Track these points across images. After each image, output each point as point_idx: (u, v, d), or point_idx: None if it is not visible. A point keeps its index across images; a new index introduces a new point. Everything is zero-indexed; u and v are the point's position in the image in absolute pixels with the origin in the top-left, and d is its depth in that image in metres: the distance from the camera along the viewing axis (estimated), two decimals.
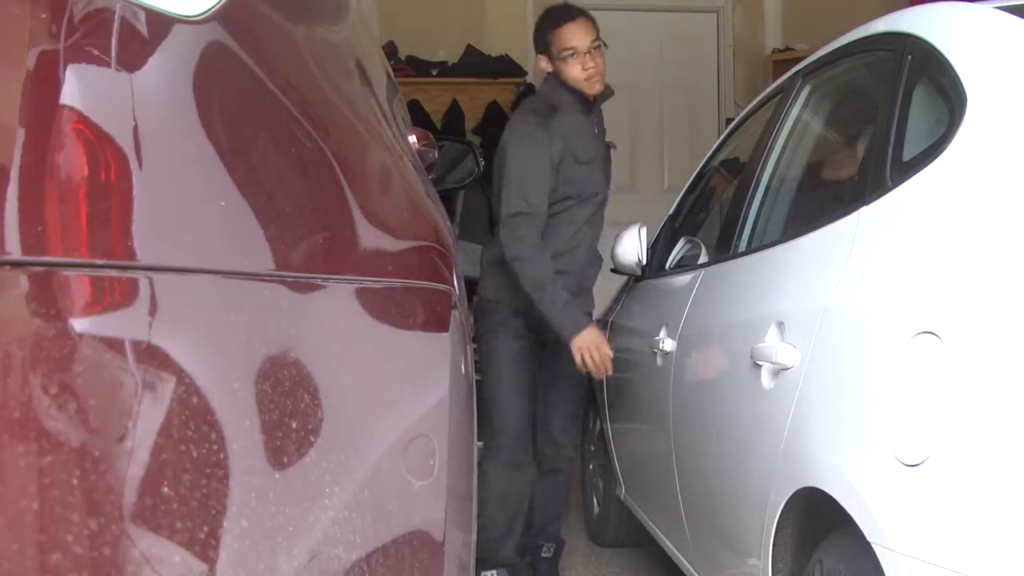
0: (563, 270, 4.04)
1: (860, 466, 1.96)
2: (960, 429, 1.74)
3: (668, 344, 3.51)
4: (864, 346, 2.07)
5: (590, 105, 4.14)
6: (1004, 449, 1.66)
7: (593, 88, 4.07)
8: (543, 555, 4.47)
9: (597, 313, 4.60)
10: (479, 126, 8.06)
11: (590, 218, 4.17)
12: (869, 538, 1.88)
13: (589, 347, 3.90)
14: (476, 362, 1.85)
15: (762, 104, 3.69)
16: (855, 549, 1.95)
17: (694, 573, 3.30)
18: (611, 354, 3.92)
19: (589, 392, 4.78)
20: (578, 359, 3.92)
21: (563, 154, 4.00)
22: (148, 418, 0.77)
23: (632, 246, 4.24)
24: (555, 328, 3.92)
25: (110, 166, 0.79)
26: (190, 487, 0.80)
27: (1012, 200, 1.84)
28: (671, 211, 4.45)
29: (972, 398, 1.74)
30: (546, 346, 4.24)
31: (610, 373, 4.00)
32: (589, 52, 4.03)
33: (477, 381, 2.86)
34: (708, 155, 4.34)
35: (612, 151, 4.37)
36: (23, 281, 0.72)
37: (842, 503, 1.99)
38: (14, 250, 0.72)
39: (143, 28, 0.87)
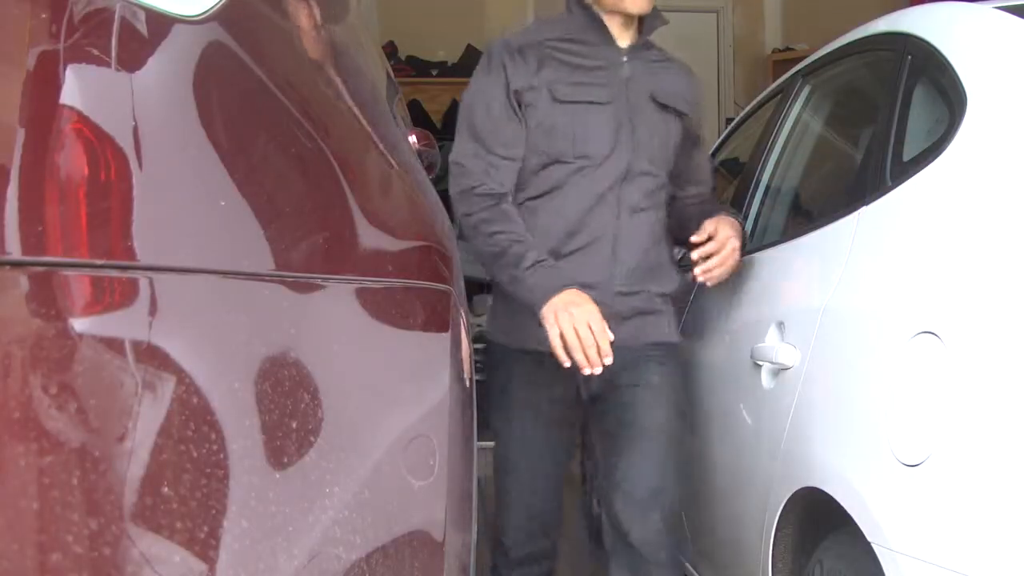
0: (581, 282, 2.54)
1: (860, 466, 1.96)
2: (960, 429, 1.74)
3: None
4: (864, 346, 2.07)
5: (617, 35, 2.73)
6: (1004, 449, 1.66)
7: (637, 4, 2.67)
8: None
9: None
10: None
11: (610, 194, 2.65)
12: (869, 538, 1.88)
13: (570, 315, 2.41)
14: (477, 362, 1.82)
15: (762, 104, 3.68)
16: (855, 549, 1.94)
17: (694, 573, 3.30)
18: (610, 335, 2.41)
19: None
20: (554, 338, 2.41)
21: (537, 88, 2.62)
22: (148, 418, 0.77)
23: None
24: (523, 301, 2.52)
25: (110, 166, 0.79)
26: (190, 487, 0.80)
27: (1012, 200, 1.83)
28: None
29: (972, 398, 1.73)
30: (600, 386, 2.69)
31: (608, 362, 2.41)
32: None
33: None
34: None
35: (674, 118, 2.78)
36: (23, 281, 0.72)
37: (842, 503, 1.99)
38: (14, 250, 0.72)
39: (143, 28, 0.87)
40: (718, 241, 2.63)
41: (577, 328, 2.40)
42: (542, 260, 2.49)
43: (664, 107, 2.74)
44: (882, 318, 2.02)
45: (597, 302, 2.50)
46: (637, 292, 2.69)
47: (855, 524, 1.93)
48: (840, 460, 2.05)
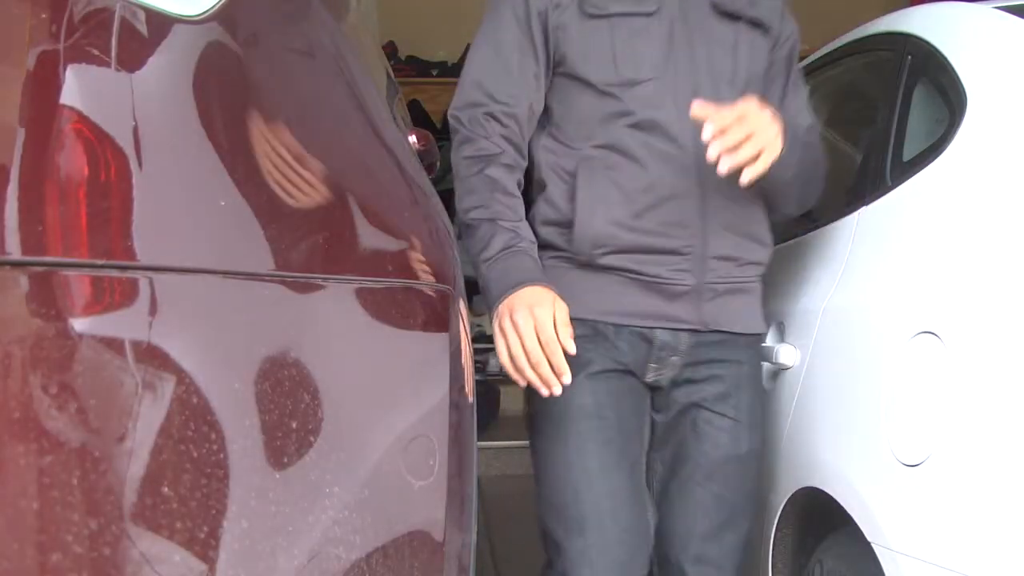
0: (668, 248, 2.11)
1: (860, 466, 1.96)
2: (960, 429, 1.74)
3: None
4: (864, 346, 2.07)
5: None
6: (1004, 449, 1.66)
7: None
8: None
9: None
10: None
11: (682, 131, 2.08)
12: (869, 538, 1.88)
13: (515, 324, 1.93)
14: (477, 362, 1.72)
15: None
16: (855, 549, 1.94)
17: None
18: (570, 346, 1.91)
19: None
20: (499, 353, 1.97)
21: (564, 5, 2.13)
22: (148, 418, 0.77)
23: None
24: (483, 293, 2.05)
25: (110, 166, 0.79)
26: (190, 487, 0.80)
27: (1011, 200, 1.83)
28: None
29: (972, 398, 1.73)
30: (666, 393, 2.22)
31: (566, 381, 1.92)
32: None
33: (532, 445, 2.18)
34: None
35: (748, 29, 2.20)
36: (23, 281, 0.72)
37: (842, 503, 1.99)
38: (14, 250, 0.72)
39: (143, 28, 0.87)
40: (742, 106, 1.93)
41: (523, 339, 1.92)
42: (511, 247, 2.03)
43: (731, 16, 2.18)
44: (882, 318, 2.02)
45: (686, 271, 2.11)
46: (733, 259, 2.17)
47: (855, 524, 1.93)
48: (840, 460, 2.06)
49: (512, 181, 2.12)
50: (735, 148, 1.90)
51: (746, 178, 1.93)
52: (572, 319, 1.99)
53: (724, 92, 2.10)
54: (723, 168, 1.90)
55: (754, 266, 2.21)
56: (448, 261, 1.60)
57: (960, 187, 1.97)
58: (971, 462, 1.71)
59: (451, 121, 2.17)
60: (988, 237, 1.84)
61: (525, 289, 1.96)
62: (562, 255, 2.15)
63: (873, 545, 1.87)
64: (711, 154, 1.89)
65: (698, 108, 1.92)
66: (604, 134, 2.11)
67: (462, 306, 1.63)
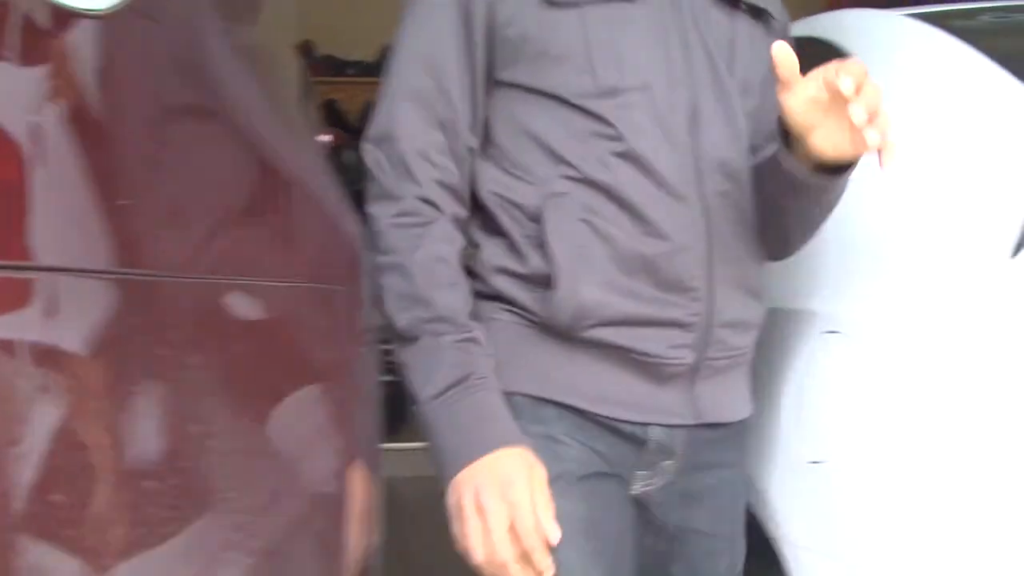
0: (668, 318, 1.62)
1: (764, 463, 1.98)
2: (862, 427, 1.77)
3: None
4: (770, 344, 2.09)
5: None
6: (905, 447, 1.69)
7: None
8: None
9: None
10: None
11: (678, 156, 1.60)
12: (772, 534, 1.90)
13: (481, 516, 1.47)
14: (388, 363, 1.61)
15: None
16: (759, 547, 1.96)
17: None
18: (553, 535, 1.46)
19: None
20: (458, 535, 1.52)
21: None
22: (42, 423, 0.76)
23: None
24: (428, 438, 1.55)
25: (9, 164, 0.78)
26: (83, 494, 0.79)
27: (914, 204, 1.87)
28: None
29: (875, 396, 1.76)
30: (654, 514, 1.74)
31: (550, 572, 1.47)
32: None
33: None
34: None
35: (749, 20, 1.74)
36: None
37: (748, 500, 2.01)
38: None
39: (46, 22, 0.86)
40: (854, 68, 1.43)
41: (492, 532, 1.47)
42: (464, 380, 1.51)
43: (729, 1, 1.71)
44: (789, 318, 2.04)
45: (686, 346, 1.63)
46: (740, 323, 1.70)
47: (759, 521, 1.95)
48: (747, 458, 2.08)
49: (455, 252, 1.60)
50: (874, 115, 1.42)
51: (891, 161, 1.45)
52: (549, 401, 1.62)
53: (725, 95, 1.68)
54: (876, 141, 1.43)
55: (755, 330, 1.76)
56: (351, 262, 1.58)
57: (863, 191, 2.00)
58: (873, 459, 1.74)
59: (367, 159, 1.63)
60: (892, 239, 1.87)
61: (492, 457, 1.50)
62: (526, 316, 1.63)
63: (776, 541, 1.89)
64: (858, 118, 1.41)
65: (781, 51, 1.46)
66: (579, 163, 1.59)
67: (367, 307, 1.62)
